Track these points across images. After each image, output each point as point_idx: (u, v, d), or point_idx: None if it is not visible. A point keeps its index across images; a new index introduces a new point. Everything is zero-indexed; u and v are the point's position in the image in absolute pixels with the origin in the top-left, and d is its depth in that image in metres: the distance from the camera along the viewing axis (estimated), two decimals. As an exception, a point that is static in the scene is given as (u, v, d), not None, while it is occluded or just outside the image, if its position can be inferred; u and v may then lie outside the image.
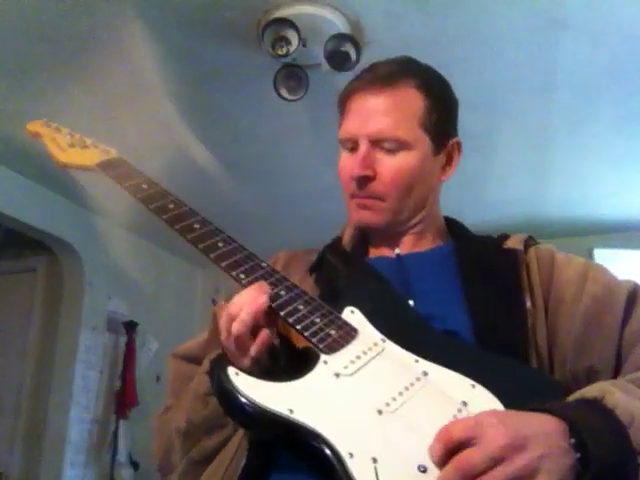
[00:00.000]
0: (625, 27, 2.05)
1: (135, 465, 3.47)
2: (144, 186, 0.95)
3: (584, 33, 2.07)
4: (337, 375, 0.74)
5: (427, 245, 1.01)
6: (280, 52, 2.04)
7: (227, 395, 0.70)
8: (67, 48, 2.12)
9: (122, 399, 3.43)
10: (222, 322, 0.78)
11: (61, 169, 1.03)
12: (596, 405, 0.69)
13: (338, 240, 1.05)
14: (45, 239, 3.46)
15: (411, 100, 0.96)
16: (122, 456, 3.42)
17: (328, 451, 0.65)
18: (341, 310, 0.83)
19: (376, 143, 0.94)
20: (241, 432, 0.81)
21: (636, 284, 0.91)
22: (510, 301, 0.89)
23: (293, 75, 2.20)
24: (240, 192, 3.35)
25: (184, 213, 0.91)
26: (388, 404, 0.71)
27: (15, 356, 3.59)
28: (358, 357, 0.76)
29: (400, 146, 0.94)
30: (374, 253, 1.02)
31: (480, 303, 0.89)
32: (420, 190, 0.98)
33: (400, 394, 0.72)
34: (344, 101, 1.00)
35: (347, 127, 0.97)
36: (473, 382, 0.74)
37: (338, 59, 2.09)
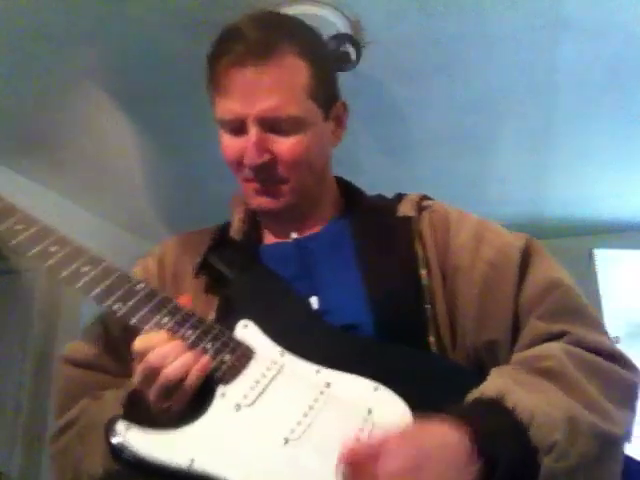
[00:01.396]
0: (626, 27, 2.05)
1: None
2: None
3: (585, 33, 2.07)
4: (237, 407, 0.71)
5: (323, 221, 0.96)
6: (280, 52, 2.03)
7: (119, 453, 0.66)
8: (65, 47, 2.12)
9: (122, 399, 3.43)
10: (141, 371, 0.72)
11: None
12: (495, 406, 0.68)
13: (226, 228, 0.97)
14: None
15: (296, 70, 0.86)
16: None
17: None
18: (233, 325, 0.78)
19: (267, 123, 0.85)
20: None
21: (528, 240, 0.89)
22: (406, 279, 0.86)
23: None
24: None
25: (36, 234, 0.82)
26: (293, 430, 0.69)
27: (15, 356, 3.59)
28: (257, 382, 0.73)
29: (294, 124, 0.86)
30: (269, 238, 0.96)
31: (377, 286, 0.85)
32: (319, 164, 0.93)
33: (305, 415, 0.70)
34: (216, 76, 0.87)
35: (229, 106, 0.86)
36: (375, 384, 0.73)
37: (338, 59, 2.09)
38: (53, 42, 2.07)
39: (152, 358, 0.72)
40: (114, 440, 0.66)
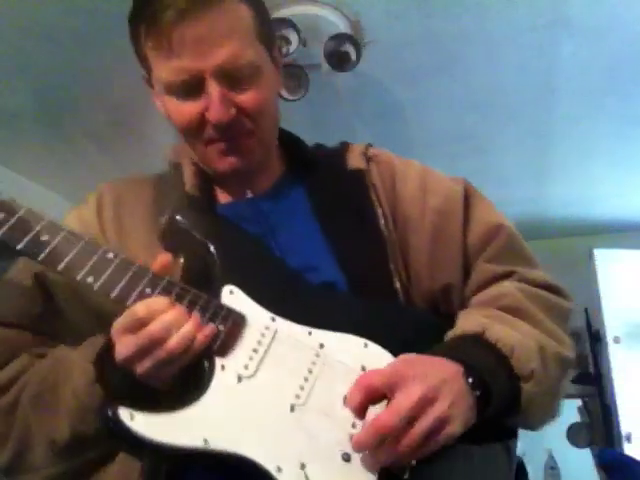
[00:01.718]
0: (626, 27, 2.05)
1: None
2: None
3: (584, 33, 2.07)
4: (239, 379, 0.70)
5: (273, 176, 0.94)
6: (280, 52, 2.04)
7: (129, 442, 0.64)
8: (65, 47, 2.12)
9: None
10: (140, 340, 0.67)
11: None
12: (480, 340, 0.76)
13: (177, 180, 0.89)
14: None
15: (240, 14, 0.81)
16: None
17: (256, 470, 0.64)
18: (218, 291, 0.75)
19: (226, 75, 0.79)
20: None
21: (465, 183, 0.97)
22: (369, 234, 0.88)
23: (293, 75, 2.20)
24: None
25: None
26: (298, 396, 0.70)
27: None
28: (255, 350, 0.72)
29: (252, 70, 0.81)
30: (223, 196, 0.92)
31: (343, 246, 0.86)
32: (276, 112, 0.90)
33: (305, 380, 0.71)
34: (155, 37, 0.79)
35: (179, 66, 0.78)
36: (364, 340, 0.76)
37: (338, 59, 2.09)
38: (53, 42, 2.07)
39: (155, 328, 0.67)
40: (119, 426, 0.63)
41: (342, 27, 2.07)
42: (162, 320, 0.67)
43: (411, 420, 0.65)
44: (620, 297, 3.21)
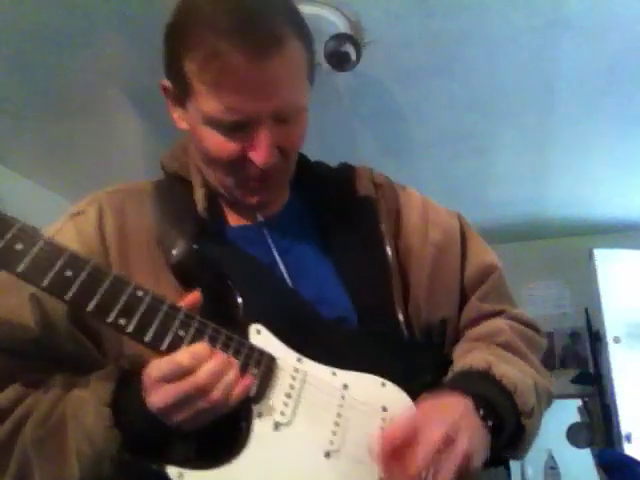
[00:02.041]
0: (626, 27, 2.05)
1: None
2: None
3: (584, 33, 2.07)
4: (276, 427, 0.70)
5: (283, 197, 0.93)
6: (280, 52, 2.03)
7: None
8: (65, 47, 2.12)
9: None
10: (179, 389, 0.64)
11: None
12: (486, 377, 0.80)
13: (186, 201, 0.85)
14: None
15: (297, 55, 0.79)
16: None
17: None
18: (245, 330, 0.73)
19: (277, 117, 0.78)
20: None
21: (459, 218, 1.01)
22: (378, 265, 0.91)
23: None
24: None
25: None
26: (332, 442, 0.72)
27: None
28: (288, 395, 0.72)
29: (300, 111, 0.82)
30: (233, 219, 0.90)
31: (353, 277, 0.88)
32: None
33: (336, 424, 0.73)
34: (210, 70, 0.75)
35: (235, 105, 0.76)
36: (382, 380, 0.80)
37: (338, 59, 2.09)
38: (53, 43, 2.07)
39: (202, 377, 0.64)
40: None
41: (342, 27, 2.07)
42: (208, 370, 0.65)
43: (439, 459, 0.68)
44: (620, 297, 3.21)
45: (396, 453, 0.69)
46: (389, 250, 0.91)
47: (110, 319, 0.64)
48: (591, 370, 3.46)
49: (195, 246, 0.77)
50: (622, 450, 2.95)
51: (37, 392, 0.74)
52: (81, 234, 0.82)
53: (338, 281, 0.88)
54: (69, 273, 0.63)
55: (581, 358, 3.61)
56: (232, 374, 0.66)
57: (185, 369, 0.64)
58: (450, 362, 0.89)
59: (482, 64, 2.24)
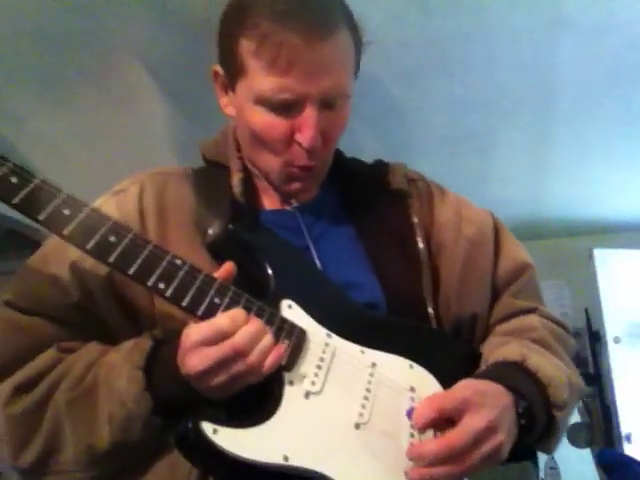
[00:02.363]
0: (626, 27, 2.05)
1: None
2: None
3: (584, 33, 2.07)
4: (307, 395, 0.72)
5: (315, 186, 0.96)
6: (280, 52, 2.03)
7: (213, 456, 0.64)
8: (66, 48, 2.12)
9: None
10: (218, 352, 0.66)
11: None
12: (522, 369, 0.81)
13: (224, 186, 0.89)
14: (45, 239, 3.45)
15: (347, 45, 0.85)
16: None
17: None
18: (277, 304, 0.76)
19: (325, 103, 0.83)
20: None
21: (492, 216, 1.01)
22: (409, 257, 0.92)
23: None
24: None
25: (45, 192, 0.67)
26: (361, 414, 0.74)
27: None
28: (319, 367, 0.74)
29: (345, 99, 0.86)
30: (268, 203, 0.93)
31: (384, 266, 0.90)
32: None
33: (365, 398, 0.75)
34: (267, 50, 0.79)
35: (286, 85, 0.79)
36: (409, 362, 0.81)
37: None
38: (53, 43, 2.07)
39: (241, 340, 0.66)
40: (203, 439, 0.63)
41: (342, 27, 2.07)
42: (246, 332, 0.67)
43: (477, 443, 0.70)
44: (620, 297, 3.21)
45: (434, 424, 0.72)
46: (420, 243, 0.92)
47: (150, 283, 0.67)
48: (591, 370, 3.46)
49: (230, 226, 0.80)
50: (622, 450, 2.95)
51: (72, 356, 0.76)
52: (121, 211, 0.85)
53: (369, 268, 0.89)
54: (113, 238, 0.67)
55: (581, 358, 3.60)
56: (268, 339, 0.69)
57: (225, 332, 0.66)
58: (479, 356, 0.90)
59: (482, 64, 2.24)
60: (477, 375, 0.81)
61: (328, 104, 0.83)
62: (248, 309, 0.71)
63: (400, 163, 1.03)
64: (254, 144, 0.87)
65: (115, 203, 0.87)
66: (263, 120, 0.83)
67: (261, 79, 0.80)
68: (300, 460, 0.67)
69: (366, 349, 0.80)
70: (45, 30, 2.02)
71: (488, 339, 0.93)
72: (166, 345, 0.74)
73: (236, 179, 0.89)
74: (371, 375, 0.77)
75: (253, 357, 0.67)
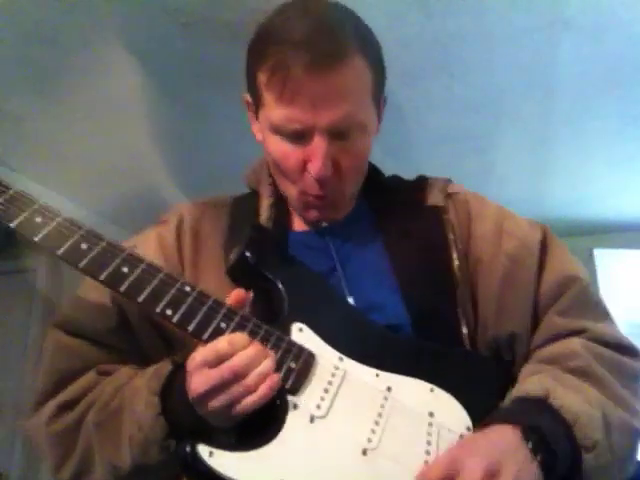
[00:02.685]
0: (626, 27, 2.05)
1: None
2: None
3: (584, 33, 2.07)
4: (312, 419, 0.70)
5: (349, 205, 0.96)
6: (280, 52, 2.03)
7: (208, 478, 0.64)
8: (65, 48, 2.12)
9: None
10: (216, 377, 0.67)
11: None
12: (543, 406, 0.72)
13: (251, 207, 0.93)
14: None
15: (361, 73, 0.84)
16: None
17: None
18: (287, 328, 0.76)
19: (333, 133, 0.83)
20: None
21: (544, 230, 0.96)
22: (441, 276, 0.87)
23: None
24: (240, 191, 3.35)
25: (62, 228, 0.75)
26: (370, 440, 0.70)
27: (15, 356, 3.59)
28: (326, 390, 0.72)
29: (357, 130, 0.85)
30: (299, 225, 0.94)
31: (413, 286, 0.86)
32: (367, 163, 0.94)
33: (376, 423, 0.71)
34: (276, 83, 0.81)
35: (294, 116, 0.81)
36: (430, 385, 0.76)
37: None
38: (53, 43, 2.07)
39: (238, 362, 0.67)
40: (200, 466, 0.64)
41: (342, 27, 2.07)
42: (244, 355, 0.68)
43: None
44: (620, 297, 3.21)
45: None
46: (456, 260, 0.87)
47: (158, 309, 0.70)
48: (591, 370, 3.46)
49: (247, 253, 0.81)
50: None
51: (106, 380, 0.80)
52: (160, 242, 0.91)
53: (397, 290, 0.85)
54: (125, 269, 0.71)
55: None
56: (268, 363, 0.69)
57: (223, 354, 0.68)
58: (513, 379, 0.83)
59: (482, 64, 2.24)
60: (491, 417, 0.74)
61: (340, 134, 0.83)
62: (254, 333, 0.72)
63: (441, 178, 1.00)
64: (275, 171, 0.91)
65: (156, 234, 0.93)
66: (279, 149, 0.86)
67: (273, 110, 0.83)
68: None
69: (382, 372, 0.76)
70: (45, 30, 2.02)
71: (525, 365, 0.84)
72: (182, 370, 0.75)
73: (265, 205, 0.93)
74: (385, 399, 0.74)
75: (250, 380, 0.67)
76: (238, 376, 0.67)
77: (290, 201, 0.93)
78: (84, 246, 0.73)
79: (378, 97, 0.90)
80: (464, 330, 0.85)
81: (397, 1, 1.95)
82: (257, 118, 0.92)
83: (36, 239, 0.72)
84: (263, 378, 0.68)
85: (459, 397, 0.76)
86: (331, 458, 0.68)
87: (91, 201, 3.27)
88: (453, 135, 2.74)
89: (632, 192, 3.34)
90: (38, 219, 0.74)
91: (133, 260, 0.73)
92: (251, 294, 0.80)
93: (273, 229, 0.90)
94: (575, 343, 0.82)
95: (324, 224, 0.93)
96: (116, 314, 0.85)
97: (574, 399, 0.74)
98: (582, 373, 0.78)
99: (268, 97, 0.84)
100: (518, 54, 2.19)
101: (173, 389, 0.74)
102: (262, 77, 0.84)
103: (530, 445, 0.68)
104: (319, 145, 0.82)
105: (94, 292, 0.86)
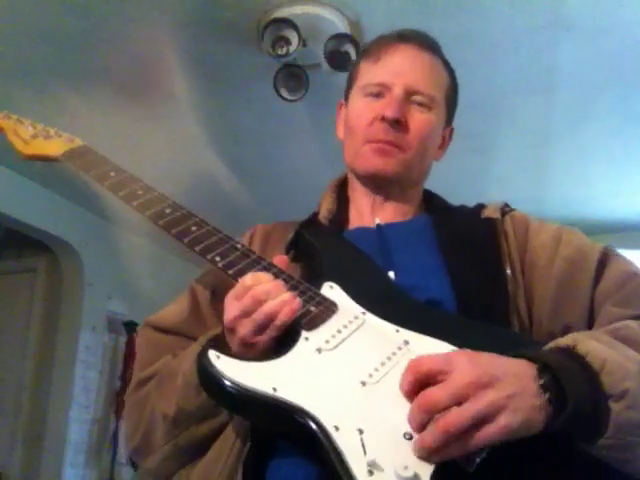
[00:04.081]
0: (625, 27, 2.05)
1: (135, 465, 3.47)
2: (111, 174, 0.94)
3: (584, 33, 2.07)
4: (319, 350, 0.74)
5: (407, 215, 1.00)
6: (280, 52, 2.04)
7: (210, 379, 0.70)
8: (67, 48, 2.12)
9: (122, 399, 3.43)
10: (243, 301, 0.75)
11: (26, 160, 1.02)
12: (568, 352, 0.69)
13: (314, 215, 1.03)
14: (45, 239, 3.46)
15: (443, 72, 1.01)
16: (122, 456, 3.42)
17: (314, 426, 0.65)
18: (320, 286, 0.83)
19: (411, 94, 0.95)
20: (235, 422, 0.79)
21: (607, 247, 0.92)
22: (490, 270, 0.89)
23: (293, 75, 2.20)
24: (240, 191, 3.35)
25: (154, 199, 0.91)
26: (371, 375, 0.71)
27: (15, 356, 3.59)
28: (339, 331, 0.76)
29: (430, 104, 0.96)
30: (354, 223, 1.01)
31: (461, 273, 0.88)
32: (429, 156, 1.02)
33: (382, 364, 0.73)
34: (376, 49, 0.99)
35: (381, 72, 0.97)
36: (454, 347, 0.74)
37: (338, 59, 2.09)
38: (53, 43, 2.07)
39: (258, 290, 0.75)
40: (205, 362, 0.70)
41: (342, 27, 2.07)
42: (264, 285, 0.76)
43: (461, 400, 0.61)
44: (620, 297, 3.21)
45: (419, 387, 0.65)
46: (508, 269, 0.89)
47: (209, 257, 0.83)
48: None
49: (301, 231, 0.95)
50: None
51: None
52: None
53: (444, 271, 0.88)
54: (194, 228, 0.87)
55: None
56: (287, 293, 0.75)
57: (248, 286, 0.76)
58: None
59: (482, 64, 2.25)
60: (512, 354, 0.70)
61: (415, 99, 0.95)
62: (285, 281, 0.79)
63: (500, 202, 1.03)
64: (348, 138, 1.00)
65: None
66: (358, 106, 0.98)
67: (365, 75, 0.98)
68: (287, 393, 0.68)
69: (402, 329, 0.77)
70: (45, 30, 2.02)
71: None
72: None
73: (324, 207, 1.02)
74: (399, 349, 0.75)
75: (269, 305, 0.74)
76: (257, 302, 0.74)
77: (354, 162, 0.99)
78: (168, 210, 0.89)
79: (449, 106, 1.02)
80: (515, 318, 0.84)
81: (397, 1, 1.96)
82: (346, 105, 1.03)
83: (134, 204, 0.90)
84: (282, 305, 0.74)
85: None
86: (327, 383, 0.71)
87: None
88: (453, 135, 2.75)
89: (632, 192, 3.34)
90: (140, 191, 0.92)
91: (202, 223, 0.88)
92: (300, 266, 0.90)
93: (329, 226, 0.99)
94: (629, 322, 0.78)
95: (377, 221, 0.97)
96: (190, 303, 0.96)
97: (602, 348, 0.70)
98: (626, 339, 0.74)
99: (363, 67, 1.00)
100: (518, 54, 2.19)
101: (218, 340, 0.82)
102: (363, 59, 1.01)
103: (541, 381, 0.64)
104: (396, 92, 0.94)
105: (178, 300, 0.99)
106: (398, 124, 0.93)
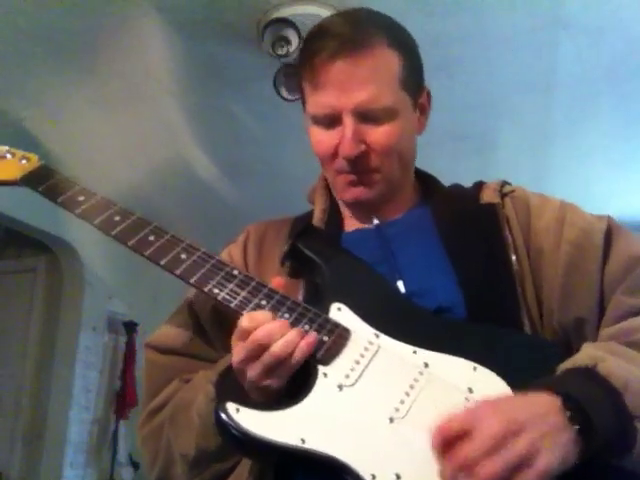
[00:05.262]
0: (625, 27, 2.05)
1: (135, 465, 3.47)
2: (80, 198, 0.89)
3: (584, 33, 2.07)
4: (340, 387, 0.72)
5: (404, 207, 0.97)
6: (280, 52, 2.04)
7: (233, 436, 0.68)
8: (67, 48, 2.12)
9: (122, 399, 3.43)
10: (246, 346, 0.73)
11: None
12: (589, 374, 0.69)
13: (309, 217, 0.99)
14: (45, 239, 3.46)
15: (388, 61, 0.89)
16: (122, 456, 3.42)
17: (349, 477, 0.64)
18: (327, 308, 0.79)
19: (361, 115, 0.87)
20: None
21: (609, 220, 0.94)
22: (497, 264, 0.87)
23: (293, 75, 2.20)
24: (239, 192, 3.35)
25: (134, 224, 0.86)
26: (397, 409, 0.70)
27: (15, 356, 3.59)
28: (357, 362, 0.74)
29: (387, 114, 0.88)
30: (351, 225, 0.97)
31: (468, 270, 0.86)
32: (407, 152, 0.95)
33: (407, 394, 0.71)
34: (309, 72, 0.89)
35: (324, 101, 0.87)
36: (474, 364, 0.74)
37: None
38: (53, 43, 2.07)
39: (259, 334, 0.72)
40: (225, 419, 0.68)
41: (342, 27, 2.07)
42: (265, 327, 0.73)
43: (493, 451, 0.61)
44: (620, 297, 3.21)
45: (450, 445, 0.63)
46: (512, 255, 0.87)
47: (206, 289, 0.79)
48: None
49: (298, 243, 0.89)
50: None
51: (185, 386, 0.89)
52: (230, 257, 0.99)
53: (450, 270, 0.86)
54: (183, 256, 0.83)
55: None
56: (293, 333, 0.73)
57: (244, 329, 0.73)
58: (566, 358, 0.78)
59: (482, 64, 2.25)
60: (532, 385, 0.69)
61: (368, 117, 0.87)
62: (292, 310, 0.77)
63: (498, 180, 0.99)
64: (320, 162, 0.96)
65: (227, 252, 1.01)
66: (317, 137, 0.92)
67: (309, 100, 0.91)
68: (316, 444, 0.66)
69: (420, 350, 0.75)
70: (45, 30, 2.02)
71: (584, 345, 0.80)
72: None
73: (317, 207, 0.98)
74: (420, 374, 0.73)
75: (276, 348, 0.71)
76: (263, 346, 0.72)
77: (334, 188, 0.97)
78: (151, 238, 0.84)
79: (411, 86, 0.92)
80: (524, 318, 0.83)
81: (397, 1, 1.96)
82: (306, 117, 0.96)
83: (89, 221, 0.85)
84: (290, 345, 0.72)
85: (507, 377, 0.72)
86: (355, 423, 0.69)
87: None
88: (453, 135, 2.75)
89: (632, 192, 3.34)
90: (116, 217, 0.86)
91: (191, 249, 0.84)
92: (302, 282, 0.87)
93: (325, 229, 0.95)
94: (639, 320, 0.78)
95: (375, 221, 0.94)
96: (191, 321, 0.94)
97: (624, 367, 0.69)
98: None
99: (306, 90, 0.92)
100: (518, 54, 2.19)
101: (227, 376, 0.80)
102: (303, 73, 0.92)
103: (569, 414, 0.64)
104: (346, 125, 0.86)
105: (177, 316, 0.97)
106: (361, 155, 0.88)
